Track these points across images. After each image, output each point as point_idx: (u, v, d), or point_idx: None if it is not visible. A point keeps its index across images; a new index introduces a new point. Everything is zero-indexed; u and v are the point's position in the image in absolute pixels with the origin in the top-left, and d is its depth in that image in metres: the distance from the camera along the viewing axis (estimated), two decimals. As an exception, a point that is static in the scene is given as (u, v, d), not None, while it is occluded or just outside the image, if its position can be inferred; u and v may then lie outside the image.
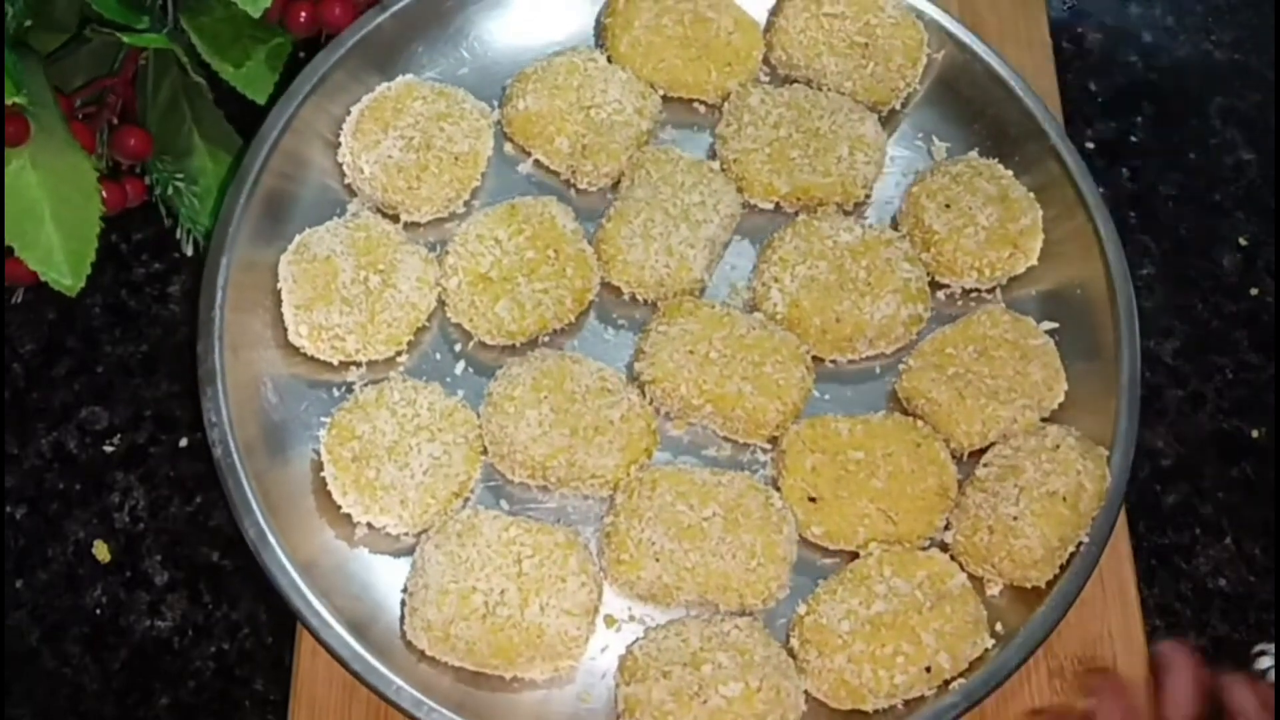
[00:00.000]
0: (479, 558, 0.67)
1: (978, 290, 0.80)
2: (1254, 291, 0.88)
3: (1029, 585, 0.70)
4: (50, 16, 0.76)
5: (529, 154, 0.81)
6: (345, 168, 0.79)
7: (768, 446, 0.75)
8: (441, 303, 0.76)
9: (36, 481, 0.77)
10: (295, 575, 0.67)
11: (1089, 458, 0.71)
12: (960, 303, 0.80)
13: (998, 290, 0.80)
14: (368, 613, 0.69)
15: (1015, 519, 0.69)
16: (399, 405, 0.71)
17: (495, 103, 0.82)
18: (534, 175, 0.82)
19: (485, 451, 0.73)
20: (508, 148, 0.82)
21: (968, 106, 0.85)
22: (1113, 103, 0.94)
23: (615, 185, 0.80)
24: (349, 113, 0.79)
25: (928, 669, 0.67)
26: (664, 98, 0.83)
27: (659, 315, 0.75)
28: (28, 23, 0.74)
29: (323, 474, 0.70)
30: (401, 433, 0.70)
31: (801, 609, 0.69)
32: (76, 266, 0.73)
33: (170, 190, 0.80)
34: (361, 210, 0.79)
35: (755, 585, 0.69)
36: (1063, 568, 0.70)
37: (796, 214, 0.80)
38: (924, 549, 0.71)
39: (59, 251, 0.73)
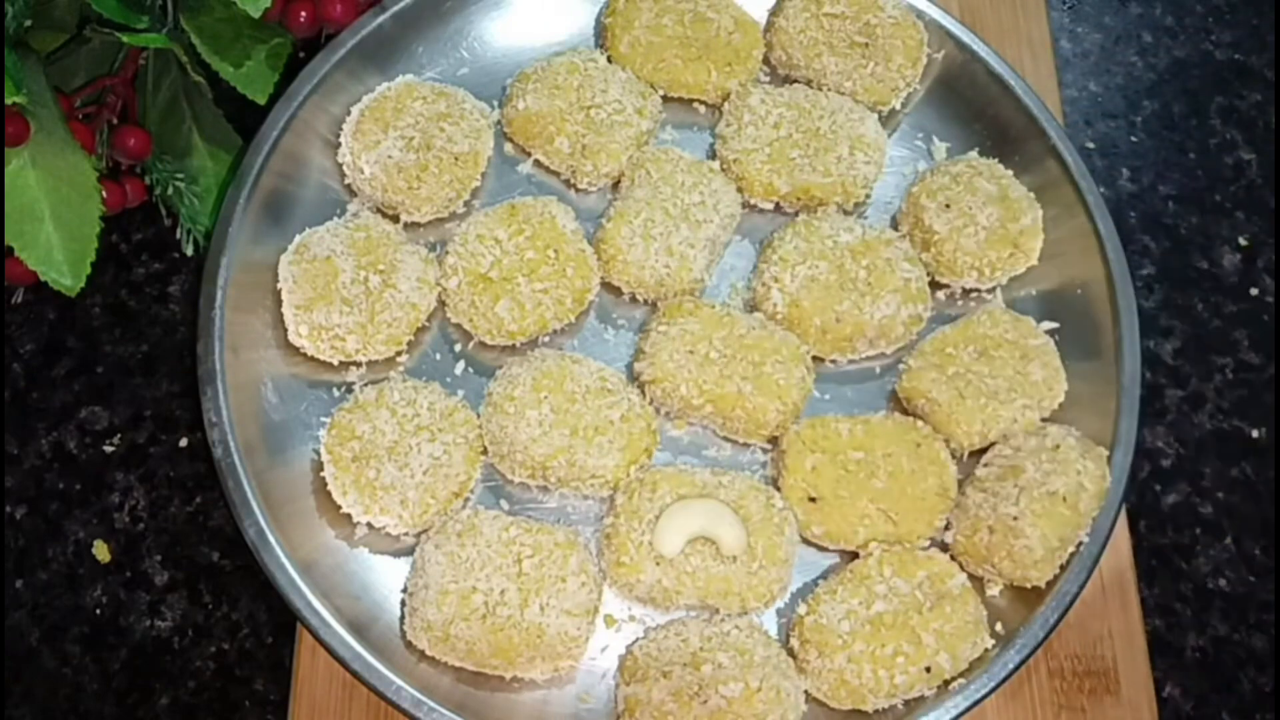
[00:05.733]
0: (479, 558, 0.67)
1: (978, 290, 0.80)
2: (1254, 291, 0.88)
3: (1029, 585, 0.70)
4: (50, 16, 0.76)
5: (529, 154, 0.81)
6: (345, 168, 0.79)
7: (768, 446, 0.75)
8: (441, 303, 0.76)
9: (36, 481, 0.77)
10: (295, 575, 0.67)
11: (1089, 458, 0.71)
12: (960, 303, 0.80)
13: (998, 290, 0.80)
14: (368, 613, 0.69)
15: (1015, 519, 0.69)
16: (399, 405, 0.71)
17: (495, 103, 0.82)
18: (534, 175, 0.82)
19: (485, 451, 0.73)
20: (508, 148, 0.82)
21: (968, 106, 0.85)
22: (1113, 103, 0.94)
23: (615, 185, 0.80)
24: (349, 113, 0.79)
25: (928, 669, 0.67)
26: (664, 98, 0.83)
27: (659, 315, 0.75)
28: (28, 23, 0.74)
29: (323, 474, 0.70)
30: (401, 433, 0.70)
31: (801, 609, 0.69)
32: (76, 266, 0.73)
33: (170, 190, 0.80)
34: (361, 210, 0.79)
35: (756, 588, 0.69)
36: (1063, 568, 0.70)
37: (796, 214, 0.80)
38: (924, 549, 0.71)
39: (59, 251, 0.73)
